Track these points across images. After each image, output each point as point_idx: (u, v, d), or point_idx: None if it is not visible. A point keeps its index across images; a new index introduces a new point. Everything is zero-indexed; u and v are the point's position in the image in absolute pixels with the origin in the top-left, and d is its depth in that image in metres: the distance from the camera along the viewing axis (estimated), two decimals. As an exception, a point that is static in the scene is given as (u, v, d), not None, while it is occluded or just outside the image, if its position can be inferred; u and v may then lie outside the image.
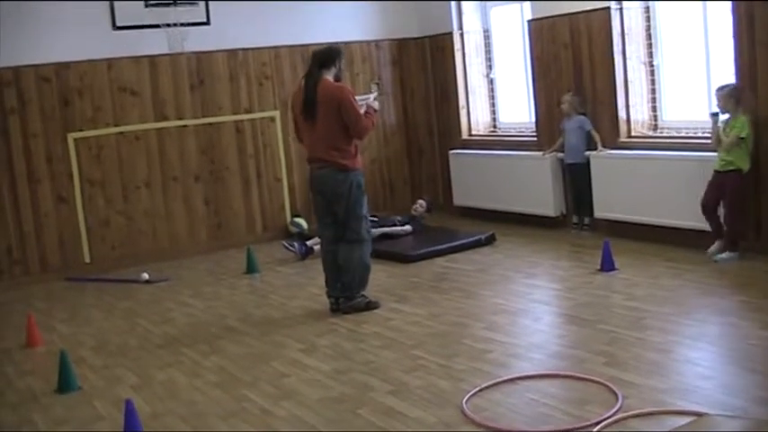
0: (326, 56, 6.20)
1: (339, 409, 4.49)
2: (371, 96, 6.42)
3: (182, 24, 8.40)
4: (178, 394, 4.93)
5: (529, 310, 6.06)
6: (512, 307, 6.15)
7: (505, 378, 4.66)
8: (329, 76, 6.17)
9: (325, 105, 6.03)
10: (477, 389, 4.53)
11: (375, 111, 6.35)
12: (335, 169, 6.12)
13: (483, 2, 9.53)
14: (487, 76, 9.74)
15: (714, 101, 6.75)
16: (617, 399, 4.23)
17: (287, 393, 4.78)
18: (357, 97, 6.26)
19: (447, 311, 6.09)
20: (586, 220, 8.19)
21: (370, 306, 6.30)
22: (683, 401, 4.16)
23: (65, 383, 5.13)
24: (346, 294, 6.28)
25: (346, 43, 9.67)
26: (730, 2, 6.72)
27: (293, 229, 9.14)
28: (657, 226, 7.46)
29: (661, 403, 4.17)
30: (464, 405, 4.34)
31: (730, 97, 6.51)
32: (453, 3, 9.58)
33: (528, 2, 8.73)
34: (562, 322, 5.68)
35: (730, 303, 5.74)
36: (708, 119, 6.84)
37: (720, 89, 6.59)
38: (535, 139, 8.80)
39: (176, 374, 5.28)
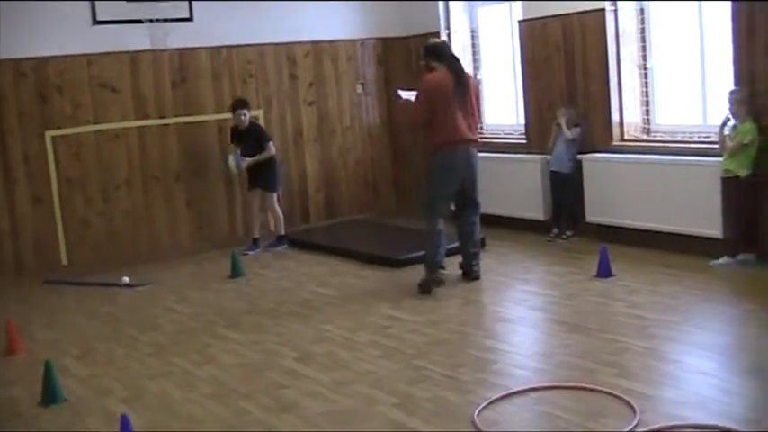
0: None
1: (345, 424, 4.30)
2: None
3: (164, 20, 8.16)
4: (173, 407, 4.71)
5: (529, 318, 5.92)
6: (511, 315, 6.00)
7: (516, 390, 4.50)
8: None
9: (470, 89, 6.69)
10: (488, 401, 4.36)
11: None
12: (474, 147, 6.78)
13: (471, 1, 9.37)
14: (474, 77, 9.57)
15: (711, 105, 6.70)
16: (634, 412, 4.08)
17: (287, 406, 4.58)
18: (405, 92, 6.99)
19: (445, 319, 5.92)
20: (568, 233, 8.03)
21: None
22: (704, 416, 4.02)
23: (51, 395, 4.87)
24: (478, 262, 6.91)
25: (330, 42, 9.51)
26: (730, 2, 6.61)
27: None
28: (651, 231, 7.36)
29: (680, 417, 4.03)
30: (476, 418, 4.17)
31: (741, 102, 6.40)
32: (441, 2, 9.42)
33: (518, 2, 8.59)
34: (565, 331, 5.50)
35: (735, 311, 5.65)
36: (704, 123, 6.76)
37: (732, 93, 6.47)
38: (524, 141, 8.66)
39: (169, 385, 5.04)
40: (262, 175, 8.54)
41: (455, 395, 4.53)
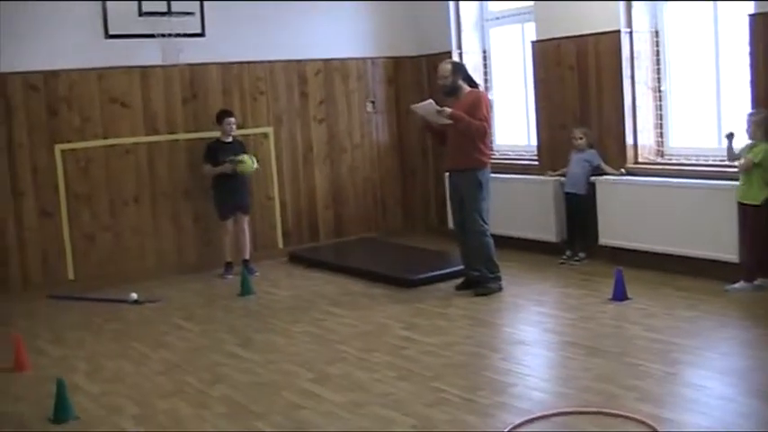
0: None
1: (363, 446, 4.22)
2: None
3: (176, 35, 8.10)
4: (185, 426, 4.61)
5: (545, 341, 5.84)
6: (527, 337, 5.92)
7: (539, 414, 4.41)
8: None
9: None
10: (512, 426, 4.27)
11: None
12: None
13: (484, 18, 9.37)
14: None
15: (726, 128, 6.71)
16: (659, 438, 4.01)
17: (302, 426, 4.49)
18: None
19: (460, 340, 5.83)
20: (581, 254, 7.98)
21: None
22: (730, 443, 3.95)
23: (61, 412, 4.77)
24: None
25: (341, 60, 9.47)
26: (748, 26, 6.58)
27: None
28: (664, 254, 7.29)
29: (706, 444, 3.96)
30: (498, 443, 4.09)
31: (758, 124, 6.37)
32: (453, 22, 9.38)
33: (531, 22, 8.55)
34: (584, 354, 5.41)
35: (752, 336, 5.56)
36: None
37: (750, 114, 6.44)
38: (537, 163, 8.60)
39: (180, 404, 4.94)
40: (240, 196, 8.36)
41: (475, 418, 4.44)
